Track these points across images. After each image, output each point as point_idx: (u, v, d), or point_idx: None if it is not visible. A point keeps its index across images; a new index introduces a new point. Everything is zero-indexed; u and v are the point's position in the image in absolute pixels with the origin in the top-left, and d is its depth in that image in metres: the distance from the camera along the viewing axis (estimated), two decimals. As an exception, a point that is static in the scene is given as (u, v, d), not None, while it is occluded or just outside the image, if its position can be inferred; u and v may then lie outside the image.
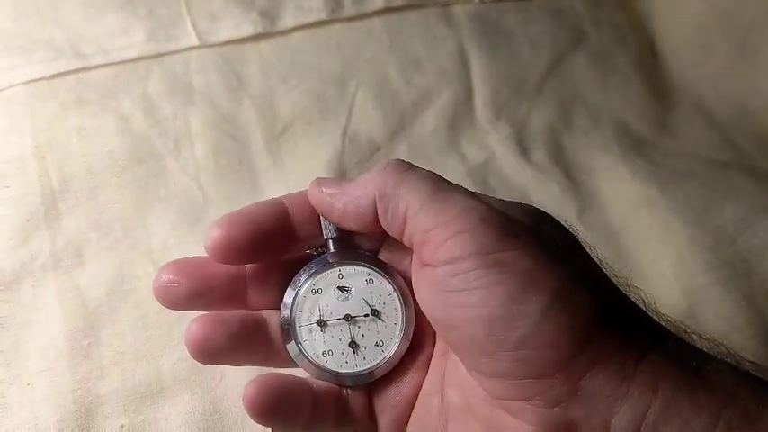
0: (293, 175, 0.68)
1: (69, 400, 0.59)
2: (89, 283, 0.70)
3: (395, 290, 0.48)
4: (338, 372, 0.47)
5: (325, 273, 0.48)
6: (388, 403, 0.47)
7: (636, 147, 0.72)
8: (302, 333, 0.48)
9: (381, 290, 0.48)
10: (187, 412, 0.59)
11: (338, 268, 0.48)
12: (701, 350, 0.39)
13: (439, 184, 0.41)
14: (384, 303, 0.48)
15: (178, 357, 0.61)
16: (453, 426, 0.43)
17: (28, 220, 0.65)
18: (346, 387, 0.47)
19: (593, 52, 0.77)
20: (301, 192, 0.46)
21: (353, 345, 0.47)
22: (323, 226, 0.47)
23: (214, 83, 0.72)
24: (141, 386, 0.60)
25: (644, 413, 0.35)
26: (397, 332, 0.48)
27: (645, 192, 0.68)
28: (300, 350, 0.47)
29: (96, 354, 0.61)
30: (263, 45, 0.74)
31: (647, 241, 0.66)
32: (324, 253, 0.49)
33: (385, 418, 0.46)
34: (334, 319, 0.47)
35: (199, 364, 0.50)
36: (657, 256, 0.66)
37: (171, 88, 0.71)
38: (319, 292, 0.48)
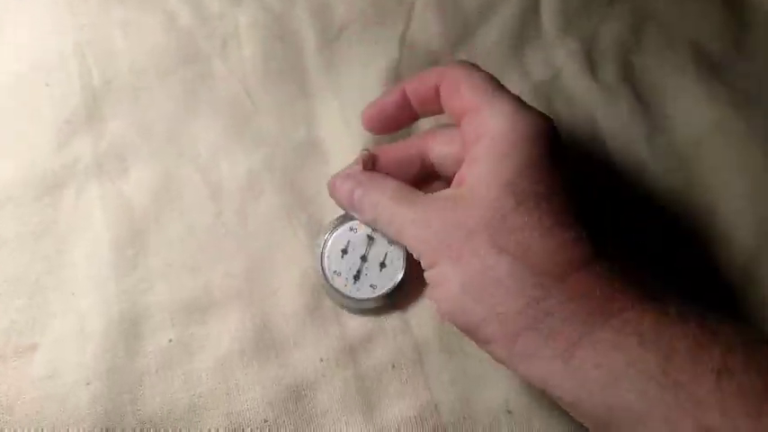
0: (346, 82, 0.63)
1: (115, 311, 0.56)
2: (133, 190, 0.63)
3: (404, 257, 0.58)
4: (338, 288, 0.58)
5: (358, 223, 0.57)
6: None
7: (711, 68, 0.64)
8: (329, 249, 0.59)
9: (396, 253, 0.58)
10: (237, 328, 0.55)
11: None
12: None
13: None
14: (392, 262, 0.58)
15: (228, 271, 0.57)
16: None
17: (68, 121, 0.60)
18: (342, 307, 0.59)
19: (669, -33, 0.67)
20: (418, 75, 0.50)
21: (357, 277, 0.58)
22: None
23: (264, -20, 0.63)
24: (190, 300, 0.56)
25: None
26: (390, 286, 0.59)
27: (720, 116, 0.60)
28: (322, 258, 0.58)
29: (143, 264, 0.57)
30: (319, -57, 0.64)
31: (720, 169, 0.59)
32: None
33: None
34: (353, 254, 0.58)
35: (251, 278, 0.58)
36: (731, 184, 0.58)
37: (219, -16, 0.62)
38: (354, 230, 0.58)
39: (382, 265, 0.57)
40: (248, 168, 0.59)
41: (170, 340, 0.55)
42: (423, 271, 0.46)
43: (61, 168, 0.60)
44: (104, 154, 0.61)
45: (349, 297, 0.56)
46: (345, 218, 0.57)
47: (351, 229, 0.57)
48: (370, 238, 0.57)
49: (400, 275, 0.57)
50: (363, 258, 0.57)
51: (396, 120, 0.52)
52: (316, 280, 0.57)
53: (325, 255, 0.57)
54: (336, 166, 0.58)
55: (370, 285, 0.57)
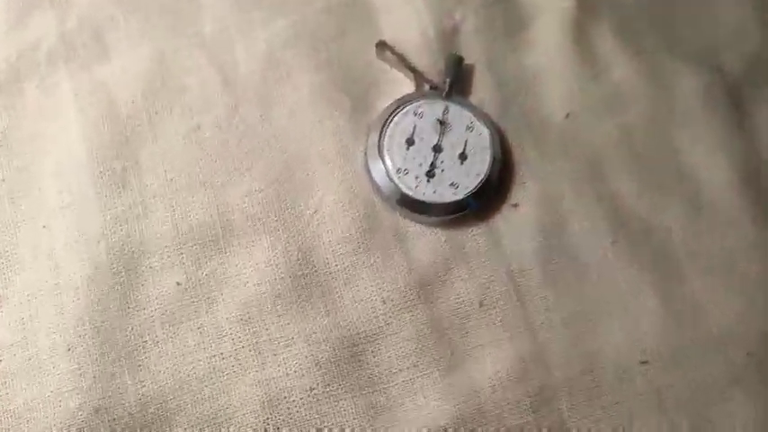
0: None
1: (102, 250, 0.44)
2: (117, 80, 0.48)
3: (491, 144, 0.47)
4: (405, 192, 0.46)
5: (434, 102, 0.48)
6: None
7: None
8: (388, 141, 0.47)
9: (478, 140, 0.47)
10: (267, 263, 0.44)
11: (446, 103, 0.48)
12: None
13: None
14: (474, 153, 0.47)
15: (250, 187, 0.46)
16: None
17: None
18: (401, 213, 0.46)
19: None
20: None
21: (430, 174, 0.46)
22: (446, 66, 0.49)
23: None
24: (202, 227, 0.45)
25: None
26: (475, 183, 0.46)
27: None
28: (379, 154, 0.46)
29: (135, 182, 0.45)
30: None
31: None
32: (437, 90, 0.48)
33: None
34: (422, 144, 0.46)
35: (281, 193, 0.46)
36: None
37: None
38: (420, 115, 0.47)
39: (462, 156, 0.47)
40: (269, 43, 0.49)
41: (178, 283, 0.43)
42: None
43: (18, 56, 0.47)
44: (75, 31, 0.48)
45: (423, 202, 0.45)
46: (407, 99, 0.48)
47: (415, 114, 0.48)
48: (442, 124, 0.48)
49: (487, 168, 0.46)
50: (437, 149, 0.47)
51: None
52: (370, 187, 0.47)
53: (384, 147, 0.47)
54: (390, 27, 0.51)
55: (451, 184, 0.46)
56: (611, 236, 0.47)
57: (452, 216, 0.47)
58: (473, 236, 0.47)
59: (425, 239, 0.46)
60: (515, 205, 0.48)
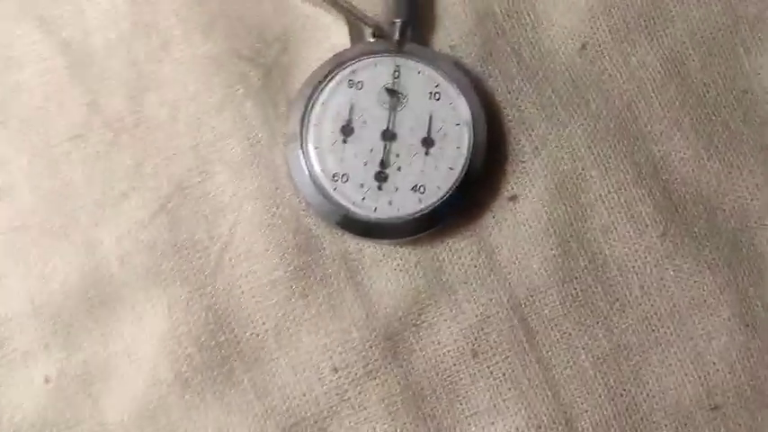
0: None
1: None
2: None
3: (469, 116, 0.33)
4: (347, 210, 0.33)
5: (376, 62, 0.34)
6: None
7: None
8: (314, 133, 0.33)
9: (449, 112, 0.33)
10: (166, 336, 0.34)
11: (396, 60, 0.34)
12: None
13: None
14: (445, 134, 0.33)
15: (131, 223, 0.36)
16: None
17: None
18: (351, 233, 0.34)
19: None
20: None
21: (381, 176, 0.32)
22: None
23: None
24: (67, 295, 0.35)
25: None
26: (450, 182, 0.32)
27: None
28: (304, 159, 0.33)
29: None
30: None
31: None
32: (383, 39, 0.34)
33: None
34: (366, 131, 0.33)
35: (174, 229, 0.35)
36: None
37: None
38: (359, 86, 0.33)
39: (427, 141, 0.34)
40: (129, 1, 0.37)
41: (46, 380, 0.34)
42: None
43: None
44: None
45: (374, 223, 0.34)
46: (337, 61, 0.34)
47: (351, 84, 0.34)
48: (393, 94, 0.33)
49: (465, 155, 0.33)
50: (387, 136, 0.34)
51: None
52: (298, 202, 0.35)
53: (310, 143, 0.34)
54: None
55: (413, 188, 0.33)
56: (659, 226, 0.35)
57: (420, 235, 0.34)
58: (456, 253, 0.35)
59: (388, 268, 0.35)
60: (513, 198, 0.35)
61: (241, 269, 0.34)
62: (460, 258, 0.34)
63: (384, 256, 0.34)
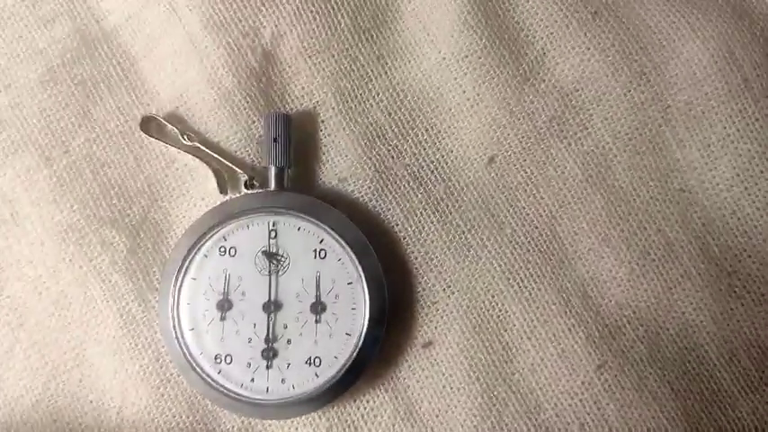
0: None
1: None
2: None
3: (362, 276, 0.28)
4: (240, 394, 0.28)
5: (249, 223, 0.29)
6: None
7: None
8: (188, 316, 0.29)
9: (338, 272, 0.29)
10: None
11: (272, 219, 0.29)
12: None
13: None
14: (337, 296, 0.28)
15: None
16: None
17: None
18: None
19: None
20: None
21: (270, 353, 0.28)
22: (265, 141, 0.29)
23: None
24: None
25: None
26: (350, 346, 0.28)
27: None
28: (180, 343, 0.29)
29: None
30: None
31: None
32: (259, 188, 0.30)
33: None
34: (246, 304, 0.28)
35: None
36: None
37: None
38: (231, 253, 0.29)
39: (317, 307, 0.29)
40: None
41: None
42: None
43: None
44: None
45: (267, 404, 0.29)
46: (206, 224, 0.29)
47: (223, 251, 0.29)
48: (273, 258, 0.29)
49: (363, 317, 0.29)
50: (270, 306, 0.29)
51: None
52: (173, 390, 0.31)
53: (182, 325, 0.29)
54: (163, 87, 0.32)
55: (307, 361, 0.29)
56: (595, 358, 0.30)
57: (321, 409, 0.29)
58: (371, 413, 0.31)
59: None
60: (428, 345, 0.30)
61: (136, 459, 0.31)
62: (377, 417, 0.30)
63: (291, 424, 0.30)
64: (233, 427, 0.30)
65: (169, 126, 0.30)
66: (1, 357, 0.31)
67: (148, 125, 0.31)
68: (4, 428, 0.31)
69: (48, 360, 0.31)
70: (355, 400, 0.30)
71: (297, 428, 0.30)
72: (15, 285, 0.31)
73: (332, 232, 0.29)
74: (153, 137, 0.30)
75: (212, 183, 0.30)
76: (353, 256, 0.29)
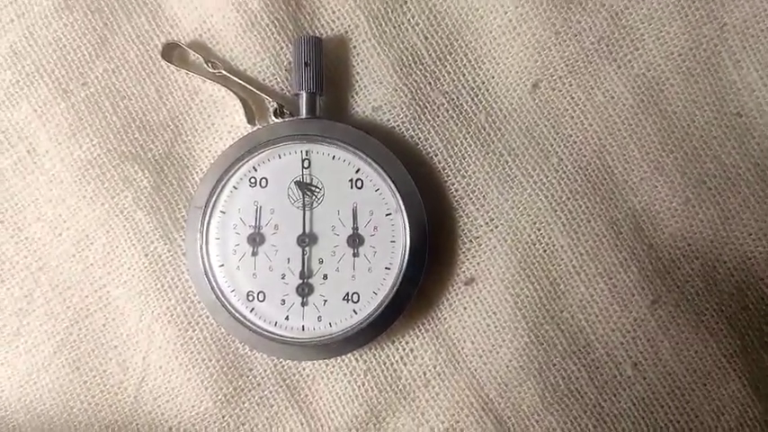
0: None
1: None
2: None
3: (401, 206, 0.26)
4: (274, 333, 0.27)
5: (281, 152, 0.27)
6: None
7: None
8: (217, 252, 0.27)
9: (376, 203, 0.26)
10: None
11: (304, 147, 0.27)
12: None
13: None
14: (375, 228, 0.26)
15: (36, 362, 0.30)
16: None
17: None
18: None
19: None
20: None
21: (305, 289, 0.26)
22: (295, 66, 0.27)
23: None
24: None
25: None
26: (390, 281, 0.26)
27: None
28: (210, 281, 0.27)
29: None
30: None
31: None
32: (289, 116, 0.28)
33: None
34: (279, 238, 0.26)
35: (82, 366, 0.30)
36: None
37: None
38: (262, 184, 0.27)
39: (354, 240, 0.27)
40: None
41: None
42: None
43: None
44: None
45: (301, 344, 0.28)
46: (235, 155, 0.27)
47: (253, 182, 0.27)
48: (306, 188, 0.27)
49: (402, 249, 0.27)
50: (305, 239, 0.27)
51: None
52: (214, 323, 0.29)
53: (212, 261, 0.27)
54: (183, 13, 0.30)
55: (344, 297, 0.27)
56: (648, 294, 0.29)
57: (359, 350, 0.28)
58: (411, 353, 0.29)
59: (333, 380, 0.29)
60: (470, 282, 0.29)
61: (165, 402, 0.29)
62: (417, 359, 0.29)
63: (327, 367, 0.29)
64: (265, 370, 0.29)
65: (192, 54, 0.29)
66: (21, 302, 0.30)
67: (170, 53, 0.29)
68: (25, 376, 0.30)
69: (69, 304, 0.29)
70: (393, 342, 0.29)
71: (333, 371, 0.29)
72: (34, 226, 0.29)
73: (369, 161, 0.27)
74: (175, 65, 0.28)
75: (239, 114, 0.28)
76: (392, 186, 0.27)
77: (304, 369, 0.29)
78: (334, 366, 0.29)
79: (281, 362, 0.29)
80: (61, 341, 0.29)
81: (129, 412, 0.29)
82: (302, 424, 0.29)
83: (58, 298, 0.29)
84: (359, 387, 0.29)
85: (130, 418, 0.29)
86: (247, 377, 0.29)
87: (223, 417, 0.29)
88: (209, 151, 0.29)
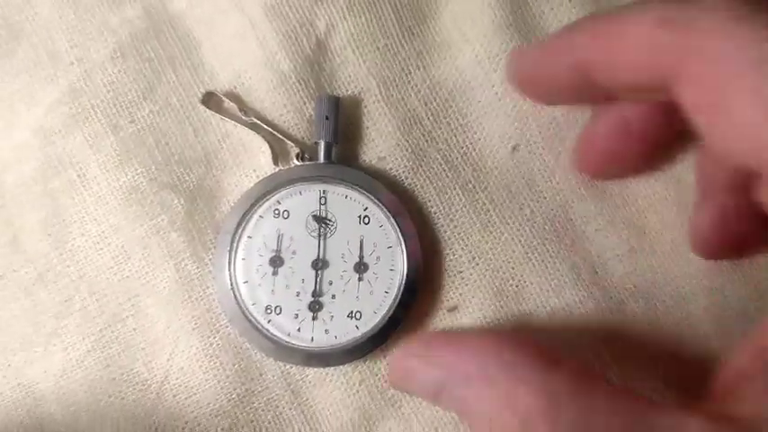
0: None
1: None
2: None
3: (401, 241, 0.32)
4: (282, 341, 0.31)
5: (301, 190, 0.32)
6: None
7: None
8: (243, 270, 0.32)
9: (379, 237, 0.32)
10: None
11: (321, 187, 0.32)
12: None
13: None
14: (378, 258, 0.32)
15: (67, 359, 0.34)
16: None
17: None
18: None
19: None
20: None
21: (316, 306, 0.32)
22: (316, 119, 0.33)
23: None
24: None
25: None
26: (388, 303, 0.32)
27: None
28: (235, 294, 0.32)
29: None
30: None
31: None
32: (309, 161, 0.33)
33: None
34: (296, 261, 0.32)
35: (111, 364, 0.33)
36: None
37: None
38: (285, 216, 0.32)
39: (360, 267, 0.32)
40: (38, 131, 0.35)
41: None
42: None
43: None
44: None
45: (311, 352, 0.32)
46: (260, 191, 0.33)
47: (277, 214, 0.32)
48: (321, 221, 0.32)
49: (399, 277, 0.32)
50: (319, 264, 0.32)
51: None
52: (234, 331, 0.33)
53: (238, 278, 0.32)
54: (221, 68, 0.35)
55: (349, 314, 0.32)
56: (603, 329, 0.34)
57: (358, 360, 0.32)
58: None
59: (332, 387, 0.33)
60: (453, 309, 0.34)
61: (184, 399, 0.32)
62: (405, 373, 0.34)
63: (327, 375, 0.33)
64: (274, 376, 0.33)
65: (227, 102, 0.33)
66: (60, 306, 0.33)
67: (208, 101, 0.33)
68: (60, 371, 0.33)
69: (104, 310, 0.33)
70: (386, 356, 0.33)
71: (332, 379, 0.33)
72: (78, 240, 0.33)
73: (375, 201, 0.32)
74: (212, 111, 0.33)
75: (265, 156, 0.33)
76: (394, 223, 0.32)
77: (308, 376, 0.33)
78: (333, 375, 0.33)
79: (288, 369, 0.33)
80: (95, 342, 0.33)
81: (151, 407, 0.32)
82: (303, 424, 0.33)
83: (94, 304, 0.33)
84: (354, 394, 0.33)
85: (151, 411, 0.32)
86: (258, 381, 0.33)
87: (235, 414, 0.32)
88: (236, 186, 0.33)
